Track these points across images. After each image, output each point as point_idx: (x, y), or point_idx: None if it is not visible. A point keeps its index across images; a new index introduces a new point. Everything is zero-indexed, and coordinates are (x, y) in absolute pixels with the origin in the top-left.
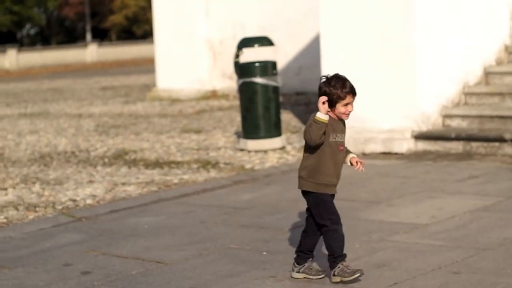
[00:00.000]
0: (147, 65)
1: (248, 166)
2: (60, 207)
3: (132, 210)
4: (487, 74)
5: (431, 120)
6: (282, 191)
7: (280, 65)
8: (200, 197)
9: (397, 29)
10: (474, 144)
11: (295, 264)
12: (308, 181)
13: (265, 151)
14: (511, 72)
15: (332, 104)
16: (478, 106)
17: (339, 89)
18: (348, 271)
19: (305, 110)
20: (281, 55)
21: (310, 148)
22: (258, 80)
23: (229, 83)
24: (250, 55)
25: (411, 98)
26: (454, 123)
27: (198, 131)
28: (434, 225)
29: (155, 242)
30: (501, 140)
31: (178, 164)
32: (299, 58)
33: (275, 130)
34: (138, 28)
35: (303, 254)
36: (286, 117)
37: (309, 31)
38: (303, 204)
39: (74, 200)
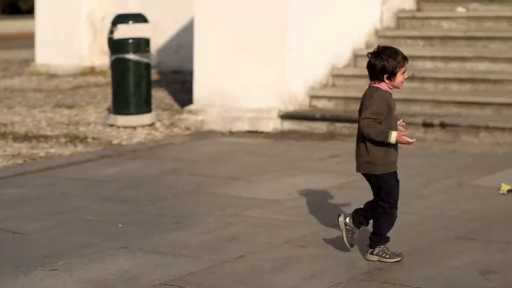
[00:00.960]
0: (31, 40)
1: (115, 141)
2: None
3: None
4: (356, 56)
5: (298, 101)
6: (146, 166)
7: (159, 44)
8: (65, 170)
9: (271, 10)
10: (338, 125)
11: (371, 246)
12: (378, 164)
13: (134, 127)
14: None
15: (392, 75)
16: (345, 88)
17: (396, 58)
18: (388, 253)
19: (180, 88)
20: (161, 33)
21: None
22: (131, 56)
23: (108, 60)
24: (126, 31)
25: (280, 79)
26: (321, 103)
27: (71, 106)
28: (289, 201)
29: (14, 213)
30: None
31: (46, 138)
32: (178, 37)
33: (145, 106)
34: (24, 3)
35: (363, 219)
36: (161, 94)
37: (189, 10)
38: (165, 179)
39: None
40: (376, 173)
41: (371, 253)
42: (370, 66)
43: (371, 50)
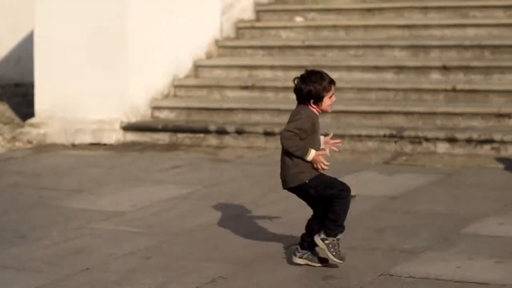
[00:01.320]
0: None
1: None
2: None
3: None
4: (197, 67)
5: (140, 112)
6: None
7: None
8: None
9: (110, 21)
10: (181, 135)
11: (299, 249)
12: (306, 172)
13: None
14: (219, 66)
15: (318, 100)
16: (187, 98)
17: (322, 83)
18: (337, 250)
19: (22, 101)
20: (1, 45)
21: None
22: None
23: None
24: None
25: (121, 90)
26: (163, 114)
27: None
28: (132, 213)
29: None
30: (206, 131)
31: None
32: (19, 48)
33: None
34: None
35: (311, 240)
36: (1, 108)
37: (29, 22)
38: (7, 193)
39: None
40: (308, 179)
41: (322, 240)
42: (296, 91)
43: (211, 61)
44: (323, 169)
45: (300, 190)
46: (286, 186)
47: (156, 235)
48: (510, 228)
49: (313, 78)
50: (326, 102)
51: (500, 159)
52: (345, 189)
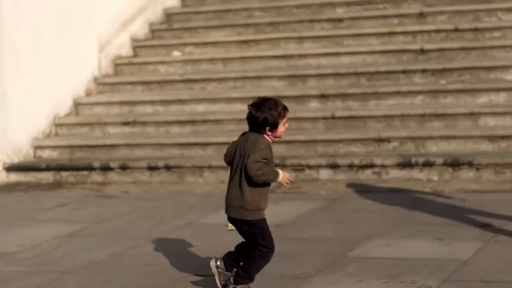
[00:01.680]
0: None
1: None
2: None
3: None
4: (77, 105)
5: (23, 152)
6: None
7: None
8: None
9: None
10: (64, 174)
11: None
12: (251, 210)
13: None
14: (100, 103)
15: (274, 127)
16: (69, 137)
17: (277, 109)
18: None
19: None
20: None
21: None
22: None
23: None
24: None
25: (3, 131)
26: (45, 154)
27: None
28: (21, 253)
29: None
30: (90, 168)
31: None
32: None
33: None
34: None
35: (234, 262)
36: None
37: None
38: None
39: None
40: (248, 219)
41: None
42: (251, 118)
43: (91, 98)
44: (286, 184)
45: (247, 224)
46: (227, 213)
47: (47, 274)
48: (395, 249)
49: (267, 105)
50: (281, 129)
51: (382, 183)
52: (272, 251)
